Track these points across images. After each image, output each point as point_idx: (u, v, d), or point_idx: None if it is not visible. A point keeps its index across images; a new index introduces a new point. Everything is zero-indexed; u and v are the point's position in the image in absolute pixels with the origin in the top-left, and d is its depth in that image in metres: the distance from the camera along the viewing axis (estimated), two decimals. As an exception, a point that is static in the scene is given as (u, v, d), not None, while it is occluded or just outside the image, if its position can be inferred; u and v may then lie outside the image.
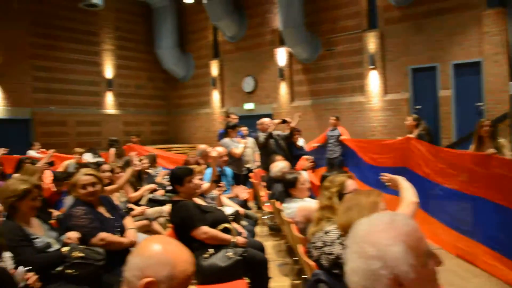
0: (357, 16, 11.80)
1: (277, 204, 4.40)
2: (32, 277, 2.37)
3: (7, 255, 2.51)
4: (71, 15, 13.56)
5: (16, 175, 5.44)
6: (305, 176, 4.42)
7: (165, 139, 15.78)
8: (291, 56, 13.10)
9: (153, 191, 5.53)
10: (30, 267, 2.42)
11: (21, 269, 2.37)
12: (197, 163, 5.36)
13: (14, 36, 12.24)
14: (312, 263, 2.52)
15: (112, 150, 7.88)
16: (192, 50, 15.94)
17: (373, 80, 11.39)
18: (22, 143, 11.25)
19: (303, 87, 13.08)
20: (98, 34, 14.59)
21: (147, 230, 4.38)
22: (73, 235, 2.94)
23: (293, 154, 7.19)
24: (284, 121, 7.16)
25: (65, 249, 2.79)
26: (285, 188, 3.95)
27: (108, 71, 14.75)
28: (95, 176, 3.31)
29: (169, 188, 5.74)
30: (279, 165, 5.25)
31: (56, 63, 13.29)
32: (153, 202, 5.30)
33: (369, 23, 11.65)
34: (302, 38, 12.18)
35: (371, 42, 11.37)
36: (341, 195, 2.68)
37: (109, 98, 14.75)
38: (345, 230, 2.22)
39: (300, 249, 2.95)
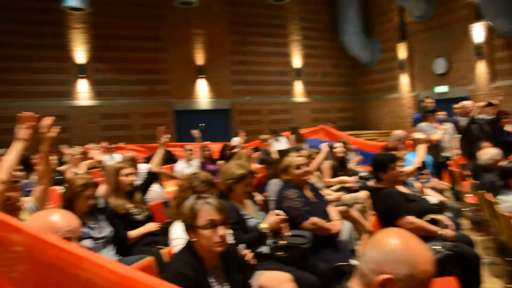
0: None
1: (488, 195, 3.98)
2: (249, 254, 2.56)
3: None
4: (262, 11, 14.51)
5: (221, 162, 6.14)
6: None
7: (351, 125, 15.72)
8: (490, 30, 11.51)
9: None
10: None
11: (241, 246, 2.63)
12: (396, 149, 5.17)
13: (216, 36, 13.83)
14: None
15: (292, 137, 8.39)
16: (377, 34, 15.43)
17: None
18: (223, 131, 12.64)
19: (506, 65, 11.39)
20: (286, 26, 15.29)
21: (345, 216, 4.42)
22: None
23: (500, 140, 6.39)
24: (490, 104, 6.41)
25: (263, 225, 2.91)
26: (503, 179, 3.53)
27: (296, 61, 15.37)
28: (305, 157, 3.50)
29: (362, 174, 5.74)
30: (490, 152, 4.71)
31: (250, 57, 14.47)
32: (345, 189, 5.34)
33: None
34: (503, 8, 10.55)
35: None
36: None
37: (298, 87, 15.39)
38: None
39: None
